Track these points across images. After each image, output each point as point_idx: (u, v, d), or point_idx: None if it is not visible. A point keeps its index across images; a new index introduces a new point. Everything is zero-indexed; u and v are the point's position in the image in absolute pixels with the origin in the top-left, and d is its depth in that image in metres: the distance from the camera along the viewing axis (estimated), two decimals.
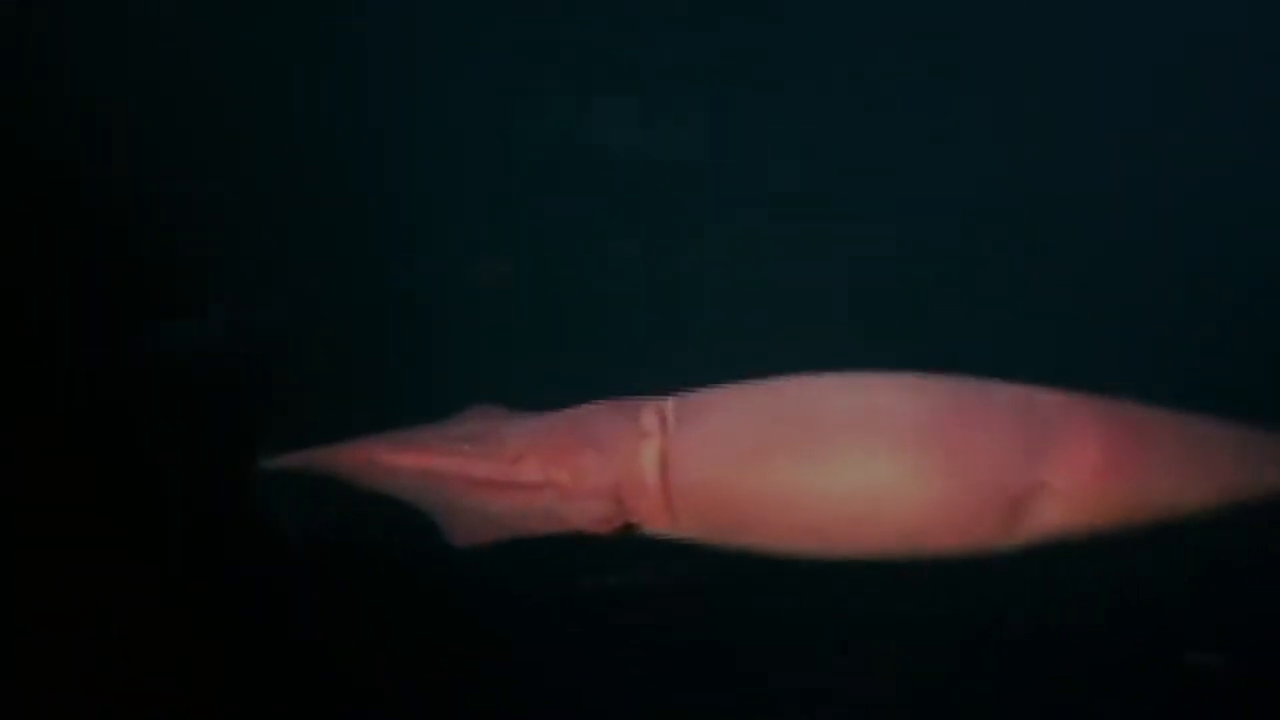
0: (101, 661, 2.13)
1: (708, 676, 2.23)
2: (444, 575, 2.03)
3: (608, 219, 2.89)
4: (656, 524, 1.58)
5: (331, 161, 2.92)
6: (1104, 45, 3.07)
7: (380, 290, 2.80)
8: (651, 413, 1.64)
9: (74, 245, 2.74)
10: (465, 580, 2.03)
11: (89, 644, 2.15)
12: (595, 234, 2.86)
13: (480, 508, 1.63)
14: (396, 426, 1.80)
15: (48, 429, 2.42)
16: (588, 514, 1.57)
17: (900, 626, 2.03)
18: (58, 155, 2.83)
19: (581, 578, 2.13)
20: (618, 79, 3.12)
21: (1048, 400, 1.59)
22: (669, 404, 1.66)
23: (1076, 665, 2.09)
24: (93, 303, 2.69)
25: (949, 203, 2.84)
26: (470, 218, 2.89)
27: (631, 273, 2.78)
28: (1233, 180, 2.80)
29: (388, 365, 2.60)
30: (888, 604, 1.90)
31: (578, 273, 2.77)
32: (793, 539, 1.52)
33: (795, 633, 2.16)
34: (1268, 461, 1.58)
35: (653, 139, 3.08)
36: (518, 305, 2.77)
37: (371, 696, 2.20)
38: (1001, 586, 1.75)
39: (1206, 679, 2.11)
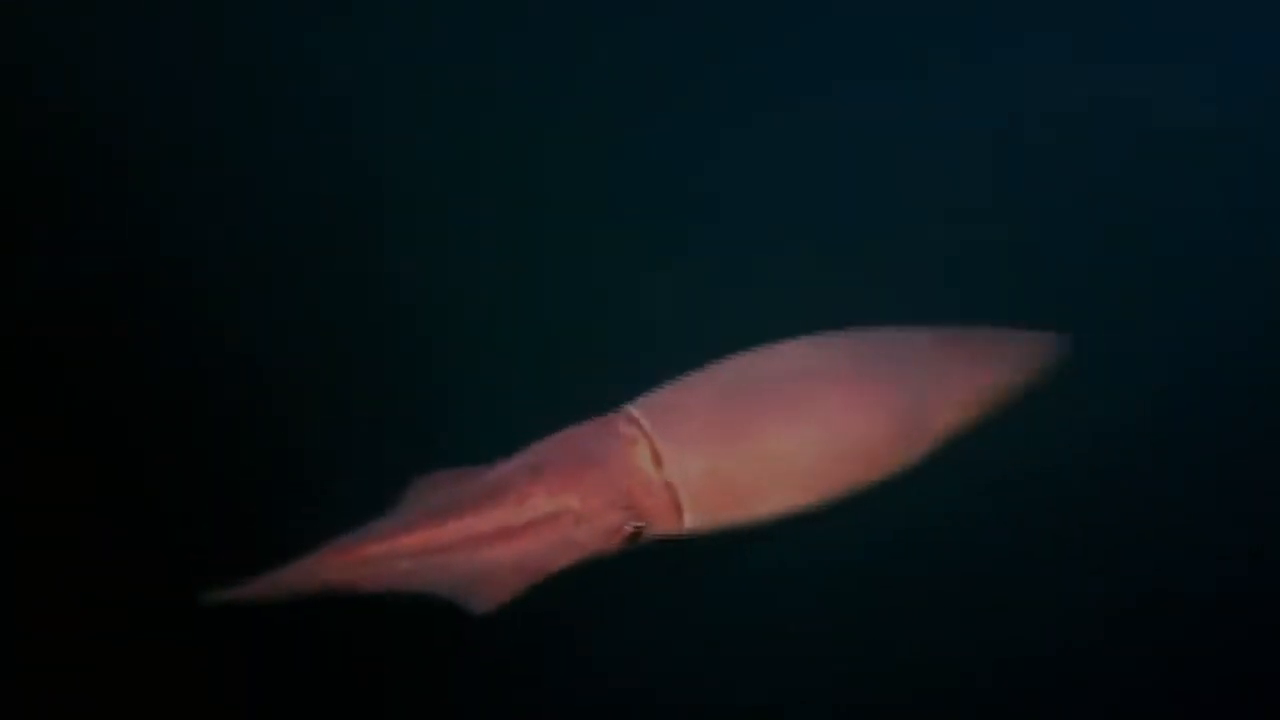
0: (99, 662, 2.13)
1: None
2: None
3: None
4: (665, 523, 1.64)
5: None
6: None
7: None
8: (625, 421, 1.73)
9: None
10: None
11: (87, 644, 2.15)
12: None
13: (495, 564, 1.60)
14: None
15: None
16: (604, 528, 1.61)
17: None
18: None
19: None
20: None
21: (925, 335, 1.91)
22: (634, 410, 1.76)
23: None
24: None
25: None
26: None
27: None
28: None
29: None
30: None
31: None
32: (784, 495, 1.66)
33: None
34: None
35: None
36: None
37: (372, 698, 2.21)
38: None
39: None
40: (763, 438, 1.67)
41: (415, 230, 2.89)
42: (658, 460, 1.66)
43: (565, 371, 2.39)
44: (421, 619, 2.14)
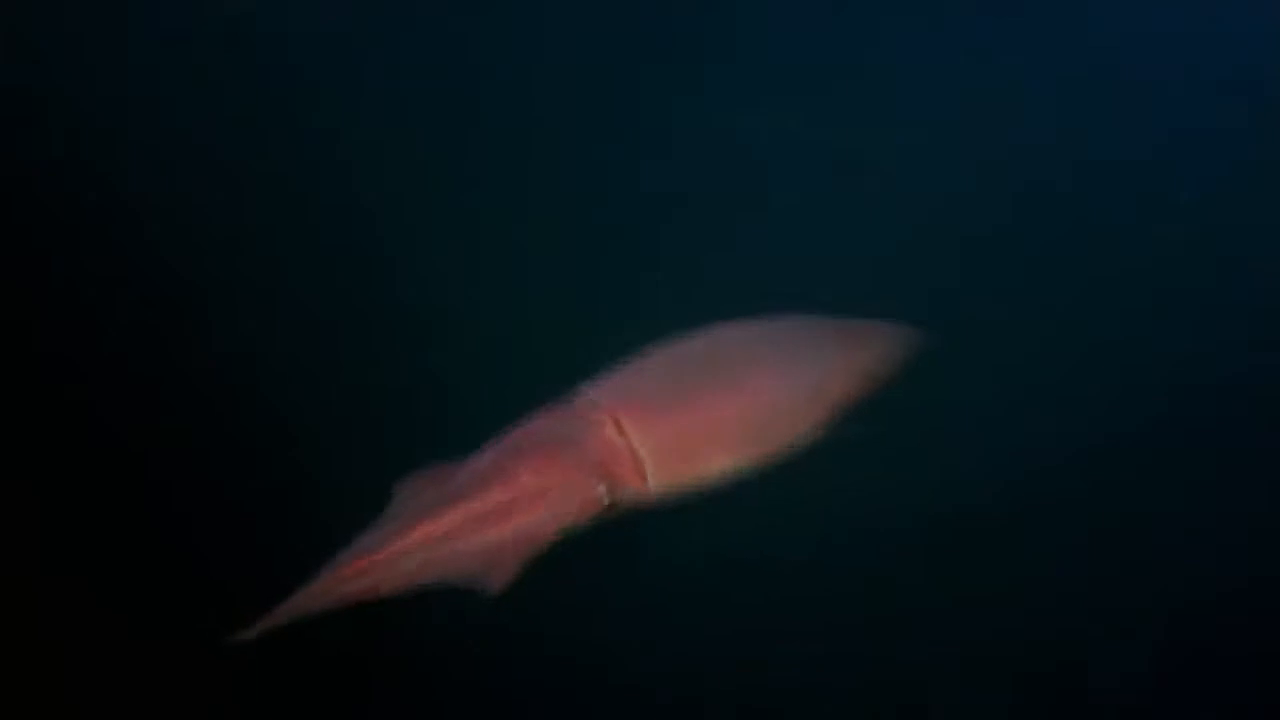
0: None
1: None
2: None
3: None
4: (633, 487, 1.86)
5: None
6: None
7: None
8: (586, 401, 1.94)
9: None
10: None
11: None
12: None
13: (497, 543, 1.76)
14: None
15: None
16: (585, 497, 1.80)
17: None
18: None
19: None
20: None
21: (819, 324, 2.23)
22: (593, 391, 1.97)
23: None
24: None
25: None
26: None
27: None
28: None
29: None
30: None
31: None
32: (724, 457, 1.91)
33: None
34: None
35: None
36: None
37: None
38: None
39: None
40: (707, 408, 1.93)
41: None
42: (621, 432, 1.87)
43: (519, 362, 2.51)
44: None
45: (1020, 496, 2.65)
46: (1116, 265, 3.17)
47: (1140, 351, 2.97)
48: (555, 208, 3.07)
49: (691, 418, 1.90)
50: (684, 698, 2.30)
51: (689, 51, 3.54)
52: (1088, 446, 2.76)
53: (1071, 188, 3.38)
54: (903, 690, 2.41)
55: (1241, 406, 2.88)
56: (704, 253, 2.86)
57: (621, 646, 2.30)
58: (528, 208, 3.07)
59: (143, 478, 2.37)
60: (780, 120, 3.32)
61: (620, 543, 2.40)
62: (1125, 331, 3.05)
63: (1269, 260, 3.31)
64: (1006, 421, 2.79)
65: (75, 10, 3.29)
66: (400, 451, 2.01)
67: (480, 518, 1.74)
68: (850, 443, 2.15)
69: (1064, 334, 3.00)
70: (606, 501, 1.82)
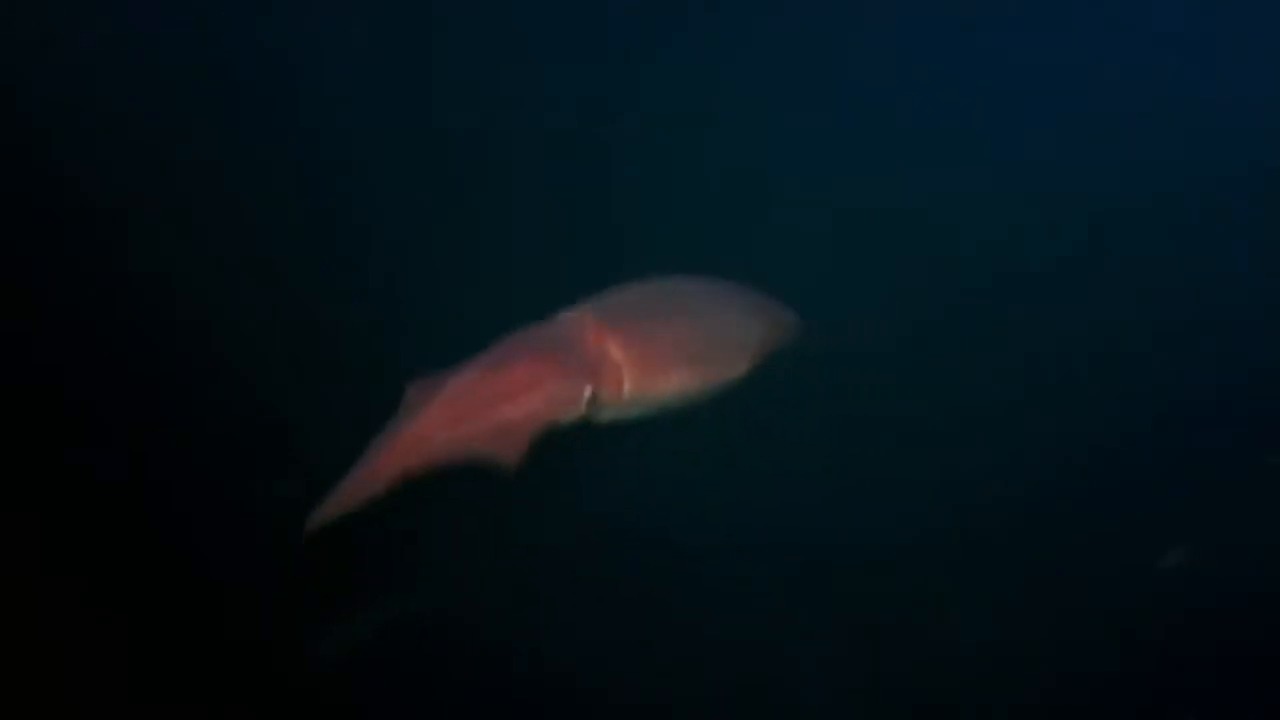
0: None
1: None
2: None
3: None
4: (613, 388, 2.10)
5: None
6: None
7: None
8: (570, 318, 2.20)
9: None
10: None
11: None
12: None
13: (509, 421, 1.98)
14: None
15: None
16: (576, 392, 2.05)
17: None
18: None
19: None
20: None
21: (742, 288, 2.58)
22: (581, 309, 2.23)
23: None
24: None
25: None
26: None
27: None
28: None
29: None
30: None
31: None
32: (686, 371, 2.19)
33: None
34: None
35: None
36: None
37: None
38: None
39: None
40: (672, 329, 2.25)
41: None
42: (603, 343, 2.13)
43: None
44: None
45: (1021, 497, 2.67)
46: (1117, 267, 3.20)
47: (1138, 356, 3.00)
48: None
49: (660, 336, 2.20)
50: (685, 698, 2.30)
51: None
52: (1088, 448, 2.78)
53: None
54: (902, 691, 2.41)
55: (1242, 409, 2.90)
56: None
57: (621, 646, 2.31)
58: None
59: (141, 479, 2.37)
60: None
61: (617, 540, 2.43)
62: (1124, 334, 3.07)
63: (1264, 262, 3.35)
64: (1006, 422, 2.81)
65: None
66: None
67: (486, 400, 1.96)
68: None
69: (1065, 335, 3.03)
70: (588, 400, 2.05)
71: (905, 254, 3.18)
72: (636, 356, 2.12)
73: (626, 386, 2.11)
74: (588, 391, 2.03)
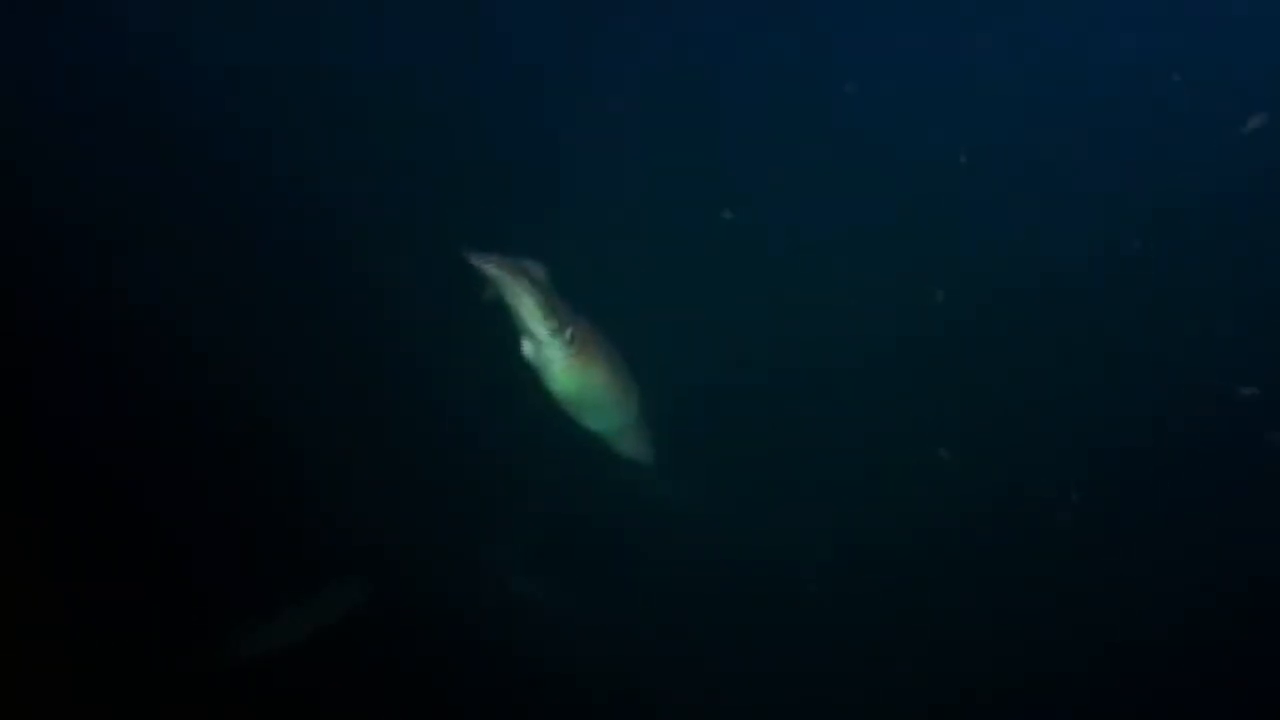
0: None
1: None
2: None
3: None
4: (576, 346, 2.51)
5: None
6: None
7: None
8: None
9: None
10: None
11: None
12: None
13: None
14: None
15: None
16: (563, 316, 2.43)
17: None
18: None
19: None
20: None
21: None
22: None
23: None
24: None
25: None
26: None
27: None
28: None
29: None
30: None
31: None
32: (612, 380, 2.59)
33: None
34: None
35: None
36: None
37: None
38: None
39: None
40: (612, 353, 2.62)
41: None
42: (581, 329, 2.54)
43: None
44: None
45: (1022, 499, 2.68)
46: (1117, 271, 3.18)
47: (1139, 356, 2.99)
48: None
49: (606, 348, 2.60)
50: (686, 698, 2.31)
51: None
52: (1088, 450, 2.78)
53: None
54: (903, 692, 2.42)
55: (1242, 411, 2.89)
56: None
57: (620, 646, 2.31)
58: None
59: (138, 488, 2.37)
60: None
61: (625, 558, 2.43)
62: (1126, 335, 3.06)
63: (1264, 264, 3.33)
64: (1007, 423, 2.80)
65: None
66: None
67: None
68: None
69: (1065, 338, 3.01)
70: (556, 330, 2.43)
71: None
72: (592, 344, 2.61)
73: (578, 352, 2.55)
74: (568, 332, 2.46)
